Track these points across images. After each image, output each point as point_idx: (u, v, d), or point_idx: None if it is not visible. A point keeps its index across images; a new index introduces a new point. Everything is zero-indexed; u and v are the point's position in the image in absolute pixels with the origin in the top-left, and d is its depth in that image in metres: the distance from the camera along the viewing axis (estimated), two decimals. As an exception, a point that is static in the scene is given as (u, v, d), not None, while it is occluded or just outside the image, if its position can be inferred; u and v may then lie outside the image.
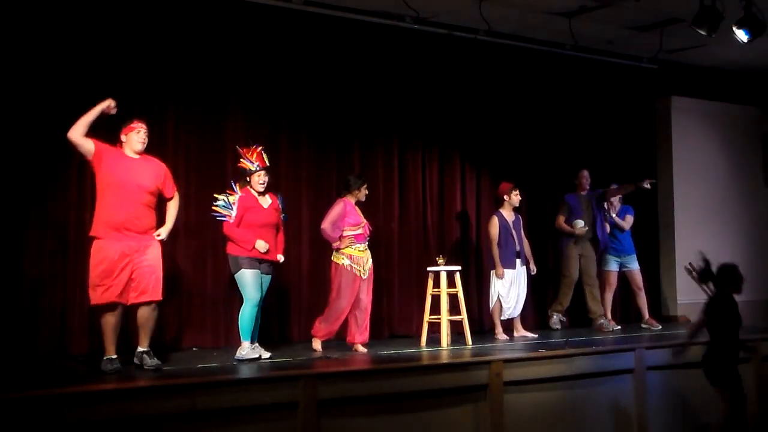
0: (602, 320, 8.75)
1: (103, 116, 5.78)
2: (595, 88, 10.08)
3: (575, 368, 6.54)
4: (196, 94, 7.64)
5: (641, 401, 6.83)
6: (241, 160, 6.56)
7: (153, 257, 5.84)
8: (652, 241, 10.12)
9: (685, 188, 10.53)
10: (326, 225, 7.01)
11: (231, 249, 6.44)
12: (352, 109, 8.50)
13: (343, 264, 6.97)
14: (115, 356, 5.71)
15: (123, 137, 5.94)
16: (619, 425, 6.74)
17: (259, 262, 6.42)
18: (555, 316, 8.94)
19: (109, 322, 5.71)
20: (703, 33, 7.76)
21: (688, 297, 10.33)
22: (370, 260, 7.13)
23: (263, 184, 6.53)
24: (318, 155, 8.26)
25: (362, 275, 6.99)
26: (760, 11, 7.71)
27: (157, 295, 5.83)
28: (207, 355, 6.76)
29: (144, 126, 5.98)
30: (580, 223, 8.74)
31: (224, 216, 6.41)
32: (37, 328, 6.79)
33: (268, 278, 6.57)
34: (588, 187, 9.03)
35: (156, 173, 6.00)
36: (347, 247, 6.98)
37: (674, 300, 10.28)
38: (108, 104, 5.78)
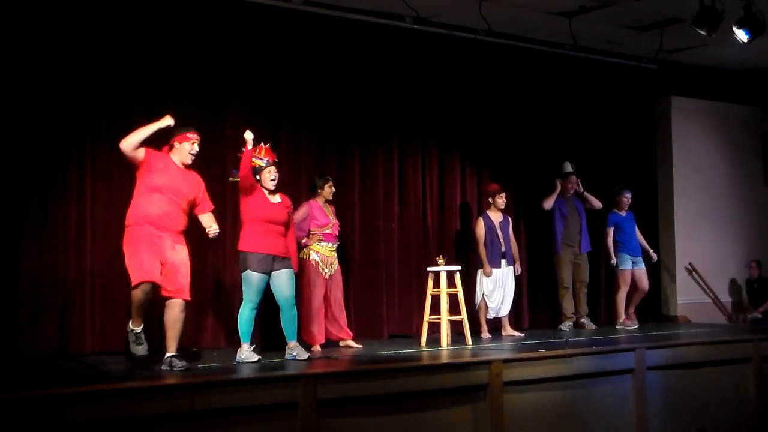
0: (584, 320, 9.02)
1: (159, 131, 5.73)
2: (595, 88, 10.08)
3: (575, 368, 6.52)
4: (196, 94, 7.62)
5: (641, 401, 6.82)
6: (252, 159, 6.28)
7: (183, 256, 5.77)
8: (653, 241, 10.10)
9: (685, 188, 10.54)
10: None
11: (242, 245, 6.24)
12: (352, 109, 8.49)
13: (310, 260, 7.12)
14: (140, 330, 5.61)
15: (176, 144, 5.81)
16: (619, 425, 6.73)
17: (272, 259, 6.21)
18: (565, 323, 8.92)
19: (142, 298, 5.54)
20: (703, 33, 7.77)
21: (688, 297, 10.35)
22: (337, 262, 7.30)
23: (274, 180, 6.32)
24: (318, 155, 8.24)
25: (326, 275, 7.14)
26: (760, 11, 7.72)
27: (186, 295, 5.75)
28: (207, 355, 6.76)
29: (198, 138, 5.88)
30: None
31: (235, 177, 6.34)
32: (37, 328, 6.78)
33: (289, 272, 6.27)
34: (573, 191, 9.16)
35: (196, 186, 5.92)
36: (315, 243, 7.17)
37: (674, 300, 10.28)
38: (168, 123, 5.73)
